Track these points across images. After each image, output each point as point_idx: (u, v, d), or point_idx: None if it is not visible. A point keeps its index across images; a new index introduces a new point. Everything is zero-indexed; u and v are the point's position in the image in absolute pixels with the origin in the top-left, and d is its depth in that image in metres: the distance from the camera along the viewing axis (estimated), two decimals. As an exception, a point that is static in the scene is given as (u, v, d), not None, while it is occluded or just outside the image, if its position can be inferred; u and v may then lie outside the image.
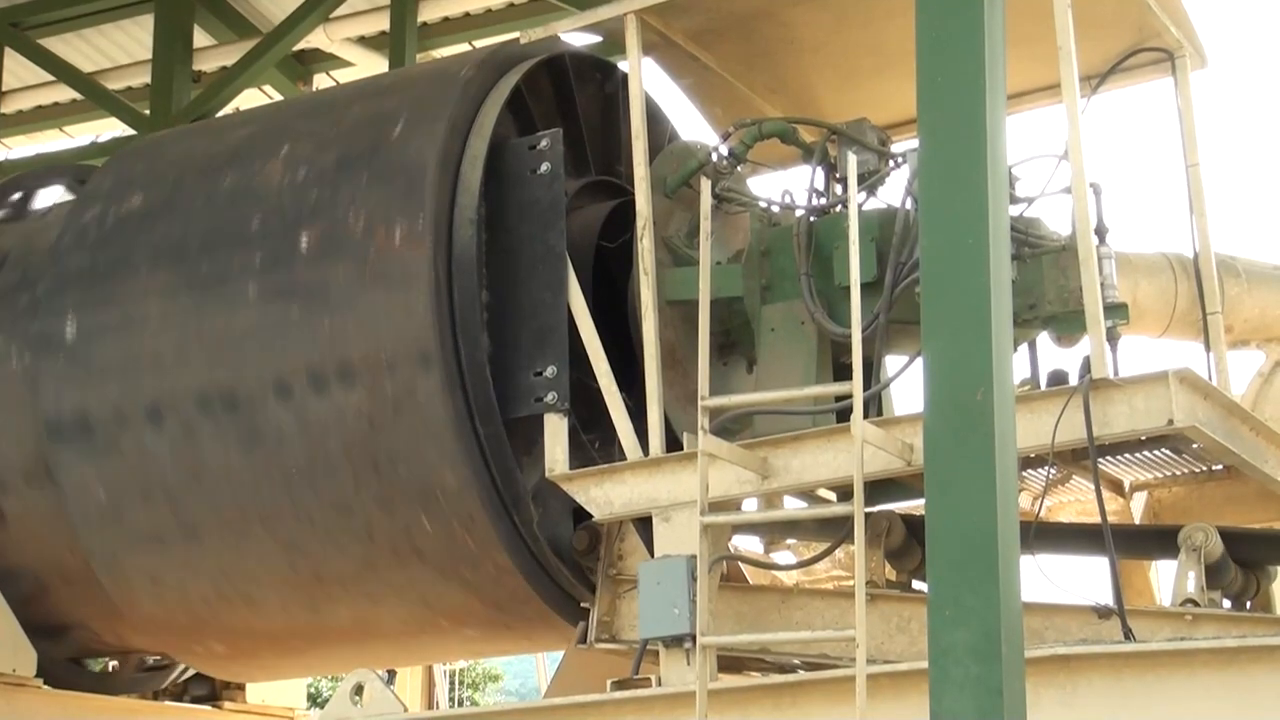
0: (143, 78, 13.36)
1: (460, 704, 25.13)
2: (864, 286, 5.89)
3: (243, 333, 7.40)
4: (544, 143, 7.21)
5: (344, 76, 13.28)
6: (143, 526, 7.79)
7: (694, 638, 6.10)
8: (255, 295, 7.39)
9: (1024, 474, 6.33)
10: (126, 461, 7.73)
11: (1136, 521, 7.16)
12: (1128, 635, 5.83)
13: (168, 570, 7.86)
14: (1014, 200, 6.41)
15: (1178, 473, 6.97)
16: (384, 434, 7.03)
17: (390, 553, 7.26)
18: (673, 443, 6.75)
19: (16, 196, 9.61)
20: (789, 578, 7.52)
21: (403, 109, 7.40)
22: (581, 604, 7.02)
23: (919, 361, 5.12)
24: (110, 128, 14.52)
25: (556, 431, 6.92)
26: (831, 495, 6.97)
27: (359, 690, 6.90)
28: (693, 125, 8.10)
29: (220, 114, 12.11)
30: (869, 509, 6.11)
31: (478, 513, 6.95)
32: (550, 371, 6.96)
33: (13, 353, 8.27)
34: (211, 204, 7.73)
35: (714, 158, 7.21)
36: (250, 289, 7.41)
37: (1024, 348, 6.65)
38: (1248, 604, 6.48)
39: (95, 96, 13.42)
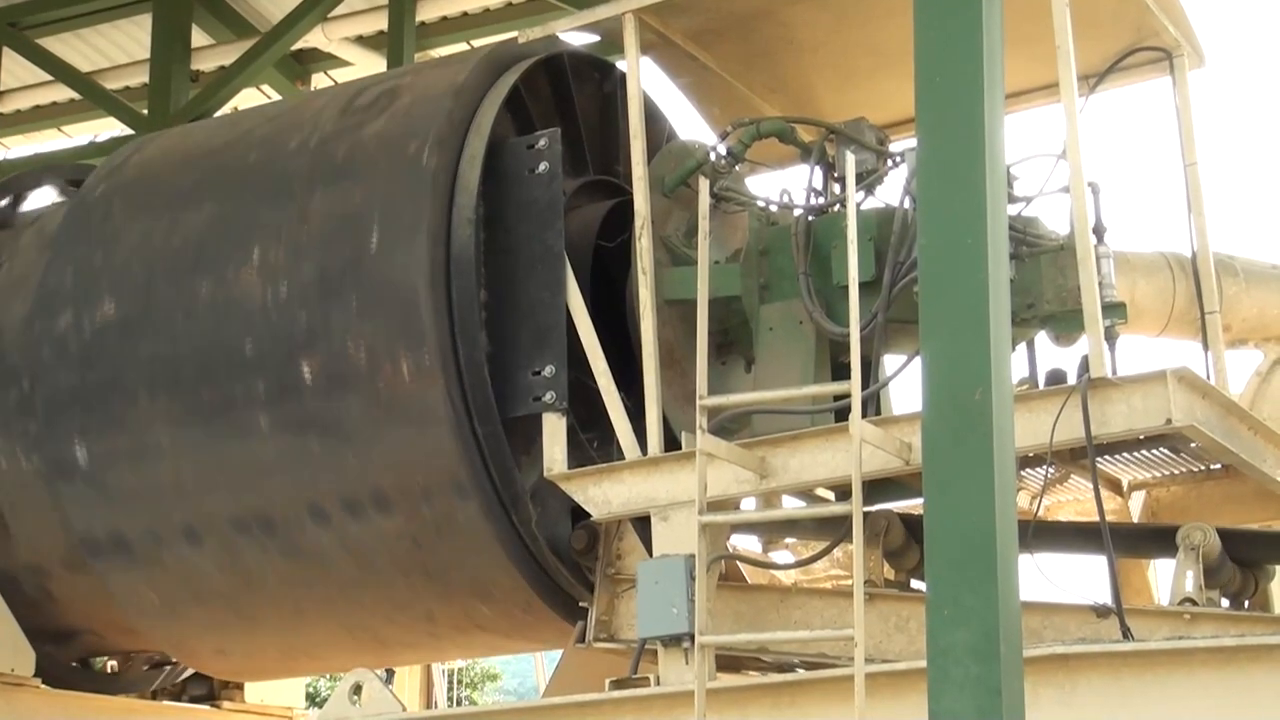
0: (141, 77, 13.37)
1: (459, 703, 25.12)
2: (862, 286, 5.89)
3: (265, 463, 7.35)
4: (542, 142, 7.21)
5: (342, 76, 13.28)
6: (202, 619, 7.94)
7: (692, 637, 6.10)
8: (269, 427, 7.28)
9: (1022, 473, 6.32)
10: (172, 573, 7.80)
11: (1135, 520, 7.17)
12: (1126, 634, 5.83)
13: (234, 644, 8.09)
14: (1012, 199, 6.41)
15: (1176, 472, 6.97)
16: (431, 551, 7.14)
17: (453, 629, 7.62)
18: (671, 442, 6.75)
19: (6, 201, 9.57)
20: (787, 577, 7.52)
21: (372, 208, 7.13)
22: (580, 603, 7.02)
23: (917, 361, 5.12)
24: (108, 127, 14.53)
25: (555, 431, 6.92)
26: (830, 494, 6.97)
27: (357, 690, 6.90)
28: (691, 124, 8.12)
29: (218, 114, 12.10)
30: (867, 508, 6.11)
31: (534, 601, 7.15)
32: (549, 371, 6.96)
33: (18, 453, 8.24)
34: (194, 320, 7.51)
35: (712, 157, 7.21)
36: (261, 420, 7.30)
37: (1022, 347, 6.65)
38: (1246, 603, 6.48)
39: (93, 96, 13.43)
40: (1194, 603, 5.98)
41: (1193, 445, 6.31)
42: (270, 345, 7.27)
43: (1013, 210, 6.38)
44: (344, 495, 7.18)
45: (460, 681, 28.15)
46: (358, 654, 7.76)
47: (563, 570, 7.10)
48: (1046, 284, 6.45)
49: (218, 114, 12.04)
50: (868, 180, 6.90)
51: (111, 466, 7.77)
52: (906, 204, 6.58)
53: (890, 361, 6.80)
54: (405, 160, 7.11)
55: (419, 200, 6.99)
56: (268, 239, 7.38)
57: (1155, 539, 6.55)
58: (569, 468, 6.87)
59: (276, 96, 13.30)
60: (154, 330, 7.64)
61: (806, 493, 6.95)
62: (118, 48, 13.86)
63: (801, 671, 6.51)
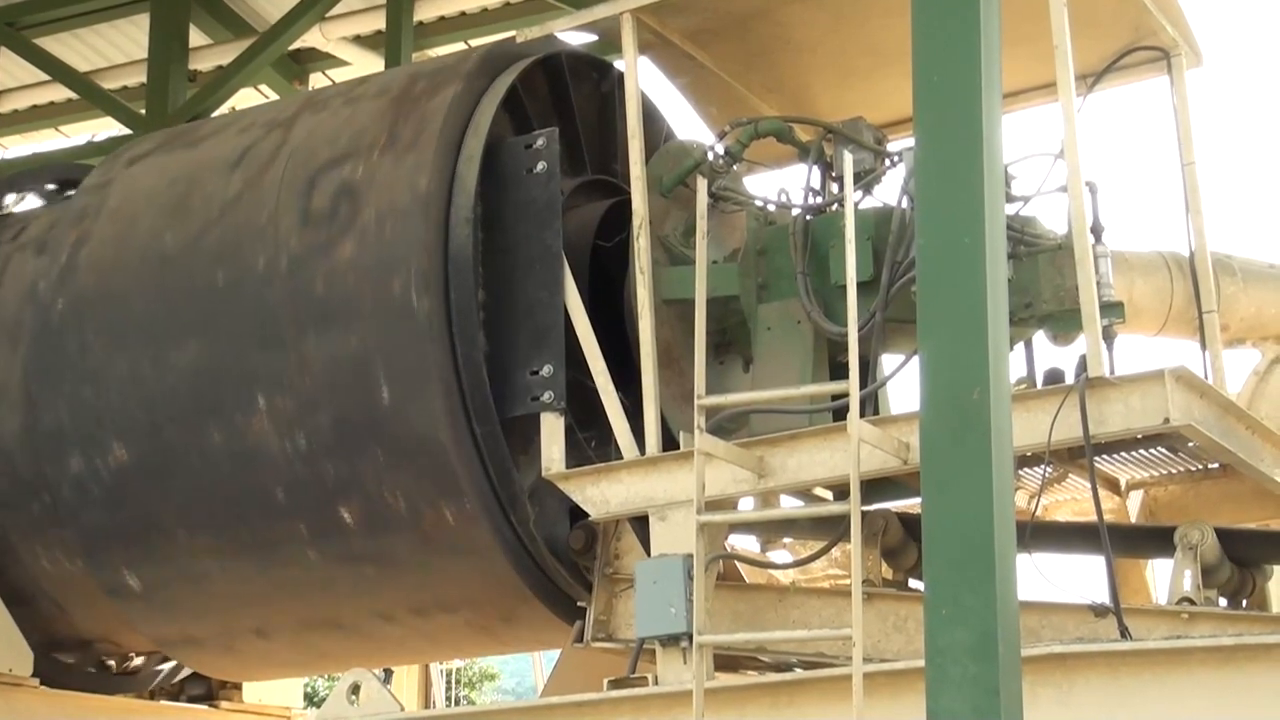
0: (139, 77, 13.35)
1: (457, 703, 25.13)
2: (860, 285, 5.90)
3: (324, 583, 7.51)
4: (540, 142, 7.21)
5: (340, 76, 13.27)
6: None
7: (690, 636, 6.10)
8: (318, 559, 7.42)
9: (1020, 473, 6.33)
10: (248, 656, 8.27)
11: (1133, 520, 7.17)
12: (1124, 634, 5.83)
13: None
14: (1010, 199, 6.41)
15: (1174, 471, 6.97)
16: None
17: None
18: (669, 442, 6.75)
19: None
20: (786, 576, 7.52)
21: (372, 357, 7.03)
22: (578, 603, 7.02)
23: (915, 360, 5.12)
24: (106, 127, 14.52)
25: (553, 430, 6.92)
26: (828, 494, 6.97)
27: (355, 690, 6.90)
28: (689, 124, 8.12)
29: (216, 113, 12.09)
30: (865, 508, 6.10)
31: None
32: (547, 370, 6.96)
33: (60, 557, 8.35)
34: (212, 466, 7.51)
35: (710, 157, 7.21)
36: (310, 554, 7.41)
37: (1020, 346, 6.65)
38: (1244, 602, 6.48)
39: (91, 96, 13.41)
40: (1192, 602, 5.98)
41: (1190, 444, 6.31)
42: (304, 495, 7.31)
43: (1011, 210, 6.38)
44: (410, 603, 7.48)
45: (458, 681, 28.15)
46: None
47: (561, 570, 7.09)
48: (1044, 283, 6.45)
49: (214, 114, 12.02)
50: (866, 180, 6.90)
51: (167, 589, 7.92)
52: (904, 203, 6.58)
53: (888, 361, 6.80)
54: (394, 303, 6.96)
55: (421, 349, 6.90)
56: (270, 387, 7.29)
57: (1153, 538, 6.55)
58: (567, 467, 6.87)
59: (275, 96, 13.28)
60: (174, 475, 7.64)
61: (805, 492, 6.95)
62: (115, 48, 13.85)
63: (800, 671, 6.51)
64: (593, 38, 8.16)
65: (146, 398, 7.66)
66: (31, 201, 9.77)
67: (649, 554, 6.60)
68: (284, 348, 7.25)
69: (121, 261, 7.90)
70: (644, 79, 7.18)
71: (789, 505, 7.07)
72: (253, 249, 7.41)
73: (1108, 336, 6.18)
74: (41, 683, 8.51)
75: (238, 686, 9.58)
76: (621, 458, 6.78)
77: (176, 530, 7.69)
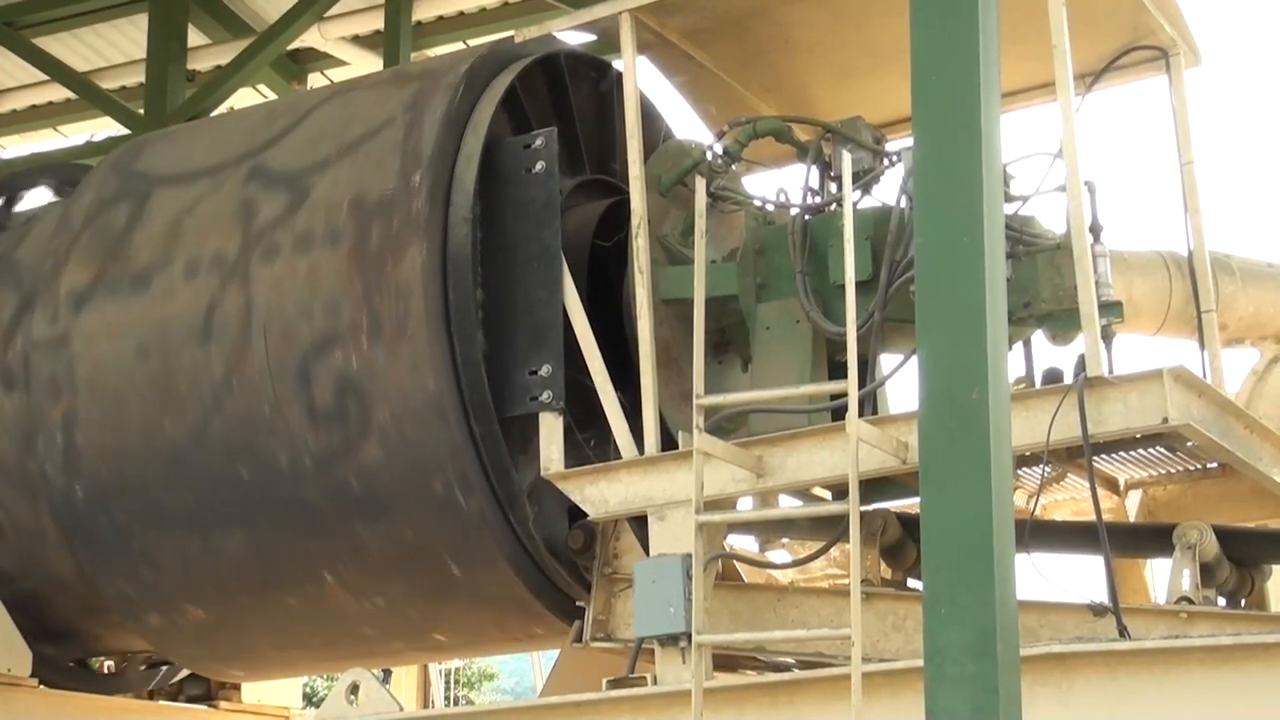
0: (137, 77, 13.34)
1: (456, 703, 25.12)
2: (859, 285, 5.89)
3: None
4: (539, 141, 7.20)
5: (338, 75, 13.27)
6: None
7: (689, 636, 6.10)
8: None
9: (1019, 472, 6.33)
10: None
11: (1131, 519, 7.17)
12: (1123, 633, 5.84)
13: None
14: (1009, 198, 6.42)
15: (1172, 470, 6.97)
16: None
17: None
18: (668, 441, 6.75)
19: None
20: (784, 576, 7.52)
21: (436, 542, 7.15)
22: (577, 603, 7.02)
23: (914, 360, 5.12)
24: (105, 127, 14.52)
25: (552, 430, 6.92)
26: (827, 494, 6.97)
27: (354, 689, 6.90)
28: (687, 124, 8.12)
29: (214, 113, 12.09)
30: (864, 507, 6.10)
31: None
32: (545, 370, 6.96)
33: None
34: (294, 620, 7.87)
35: (709, 156, 7.21)
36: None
37: (1019, 346, 6.65)
38: (1243, 602, 6.49)
39: (90, 96, 13.41)
40: (1191, 601, 5.98)
41: (1189, 444, 6.31)
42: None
43: (1009, 209, 6.38)
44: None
45: (457, 681, 28.14)
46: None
47: (560, 570, 7.09)
48: (1043, 283, 6.45)
49: (213, 114, 12.02)
50: (864, 179, 6.90)
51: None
52: (903, 203, 6.58)
53: (887, 360, 6.81)
54: (438, 500, 7.00)
55: (486, 538, 6.99)
56: (335, 564, 7.38)
57: (1152, 538, 6.55)
58: (566, 467, 6.87)
59: (273, 96, 13.28)
60: (256, 629, 7.95)
61: (803, 492, 6.95)
62: (114, 47, 13.84)
63: (798, 671, 6.52)
64: (591, 37, 8.16)
65: (210, 574, 7.69)
66: (25, 202, 9.74)
67: (648, 554, 6.60)
68: (334, 536, 7.31)
69: (126, 449, 7.72)
70: (643, 78, 7.19)
71: (788, 505, 7.07)
72: (269, 446, 7.31)
73: (1106, 336, 6.18)
74: (40, 683, 8.51)
75: (236, 687, 9.57)
76: (620, 457, 6.78)
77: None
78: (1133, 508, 7.22)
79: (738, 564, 7.11)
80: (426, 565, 7.16)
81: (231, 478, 7.41)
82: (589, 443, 7.28)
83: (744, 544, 7.62)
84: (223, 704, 9.53)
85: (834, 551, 6.96)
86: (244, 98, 13.15)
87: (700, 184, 6.39)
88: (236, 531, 7.52)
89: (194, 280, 7.56)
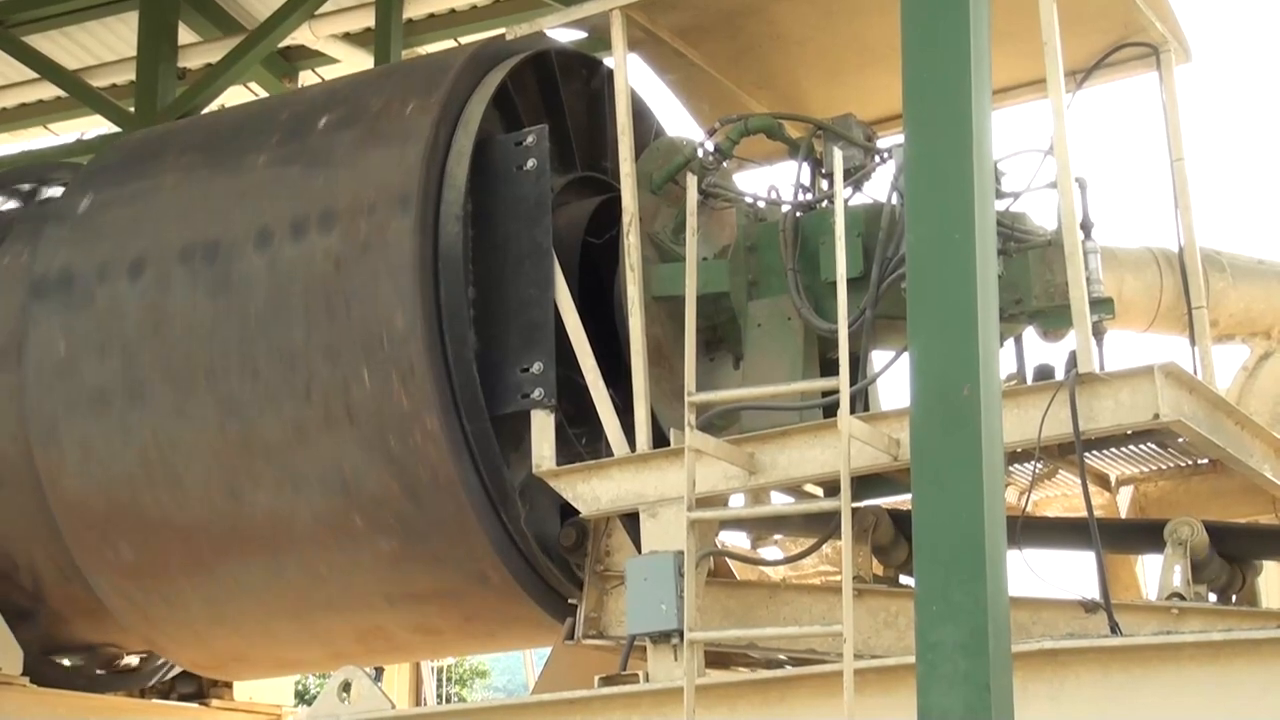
0: (128, 75, 13.33)
1: (448, 700, 25.09)
2: (850, 282, 5.89)
3: (243, 190, 7.62)
4: (530, 139, 7.21)
5: (329, 73, 13.27)
6: (89, 385, 7.72)
7: (681, 633, 6.10)
8: (264, 162, 7.63)
9: (1011, 468, 6.33)
10: (93, 311, 7.81)
11: (1122, 516, 7.18)
12: (1114, 629, 5.84)
13: (100, 438, 7.72)
14: (1000, 195, 6.42)
15: (1163, 467, 6.98)
16: (347, 275, 7.15)
17: (324, 418, 7.18)
18: (659, 438, 6.75)
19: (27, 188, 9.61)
20: (776, 573, 7.52)
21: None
22: (569, 600, 7.02)
23: (905, 356, 5.12)
24: (95, 125, 14.50)
25: (543, 428, 6.92)
26: (818, 490, 6.97)
27: (347, 687, 6.90)
28: (678, 121, 8.12)
29: (205, 111, 12.09)
30: (856, 504, 6.12)
31: (419, 364, 6.91)
32: (537, 368, 6.96)
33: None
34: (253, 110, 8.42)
35: (700, 153, 7.21)
36: (260, 158, 7.64)
37: (1010, 342, 6.65)
38: (1233, 598, 6.50)
39: (80, 94, 13.39)
40: (1182, 598, 5.99)
41: (1180, 440, 6.32)
42: (306, 110, 7.84)
43: (1000, 206, 6.38)
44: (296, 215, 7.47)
45: (449, 679, 28.12)
46: (220, 473, 7.49)
47: (552, 567, 7.09)
48: (1034, 279, 6.46)
49: (205, 110, 12.01)
50: (856, 176, 6.90)
51: (106, 208, 8.10)
52: (894, 200, 6.59)
53: (878, 357, 6.81)
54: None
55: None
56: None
57: (1143, 534, 6.56)
58: (558, 464, 6.87)
59: (264, 94, 13.27)
60: (201, 127, 8.54)
61: (795, 489, 6.95)
62: (104, 45, 13.81)
63: (790, 668, 6.52)
64: (582, 35, 8.17)
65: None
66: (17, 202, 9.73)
67: (640, 551, 6.61)
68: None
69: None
70: (634, 76, 7.19)
71: (780, 502, 7.07)
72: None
73: (1097, 332, 6.19)
74: (32, 681, 8.50)
75: (228, 685, 9.57)
76: (612, 455, 6.78)
77: (169, 154, 8.18)
78: (1124, 504, 7.23)
79: (730, 561, 7.12)
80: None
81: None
82: (581, 440, 7.29)
83: (736, 541, 7.63)
84: (214, 702, 9.53)
85: (826, 548, 6.98)
86: (235, 95, 13.13)
87: (691, 181, 6.39)
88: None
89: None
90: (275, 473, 7.31)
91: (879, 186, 6.95)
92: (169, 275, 7.59)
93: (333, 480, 7.18)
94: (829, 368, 6.66)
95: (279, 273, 7.29)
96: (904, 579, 6.64)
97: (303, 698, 18.46)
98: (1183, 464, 6.93)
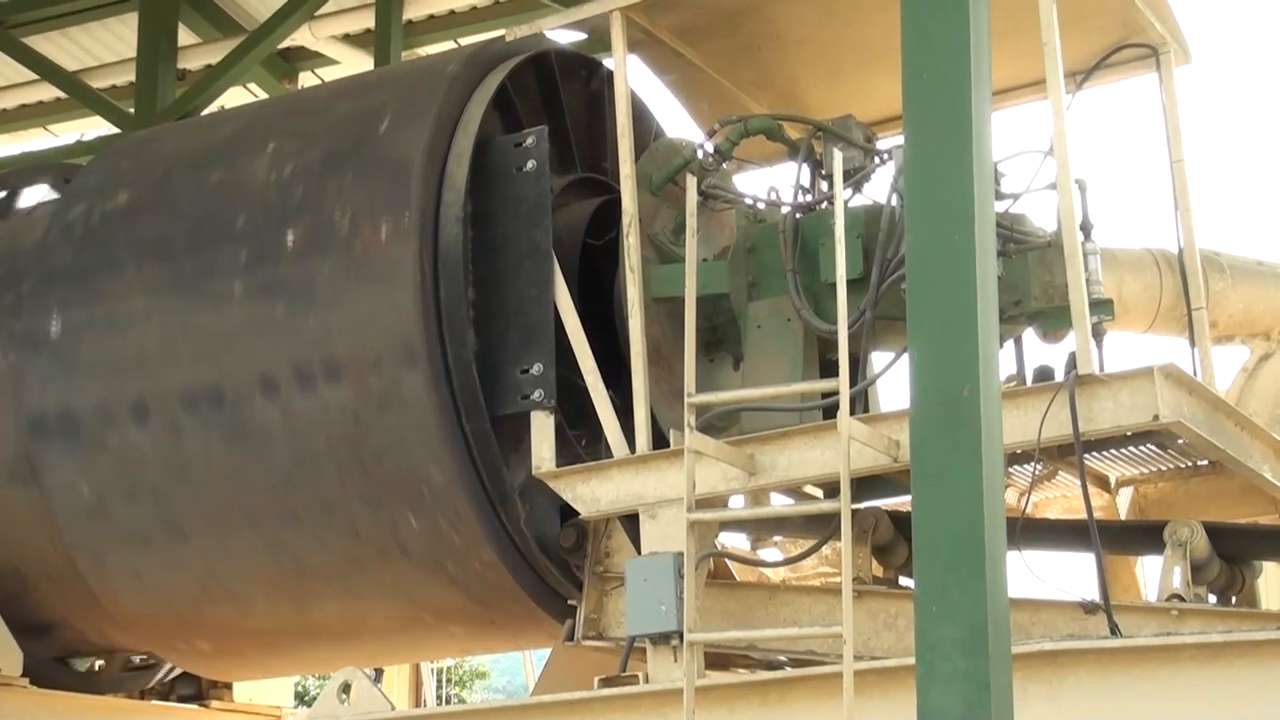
0: (127, 76, 13.33)
1: (447, 701, 25.09)
2: (850, 283, 5.89)
3: (229, 330, 7.37)
4: (530, 140, 7.20)
5: (329, 74, 13.27)
6: (126, 523, 7.76)
7: (681, 635, 6.10)
8: (241, 292, 7.34)
9: (1010, 470, 6.33)
10: (111, 458, 7.70)
11: (1122, 517, 7.18)
12: (1114, 630, 5.84)
13: (152, 566, 7.84)
14: (1000, 196, 6.42)
15: (1163, 468, 6.98)
16: (370, 431, 7.04)
17: (376, 551, 7.28)
18: (659, 440, 6.75)
19: (1, 195, 9.57)
20: (776, 574, 7.52)
21: (389, 105, 7.38)
22: (569, 601, 7.02)
23: (905, 358, 5.12)
24: (95, 126, 14.50)
25: (543, 429, 6.92)
26: (818, 492, 6.97)
27: (346, 689, 6.90)
28: (678, 122, 8.12)
29: (205, 112, 12.09)
30: (856, 505, 6.11)
31: (464, 508, 6.95)
32: (536, 369, 6.96)
33: None
34: (198, 199, 7.68)
35: (700, 154, 7.21)
36: (236, 286, 7.36)
37: (1010, 344, 6.65)
38: (1233, 599, 6.50)
39: (80, 95, 13.39)
40: (1181, 599, 5.99)
41: (1180, 441, 6.32)
42: (262, 217, 7.41)
43: (1000, 207, 6.38)
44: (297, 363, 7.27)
45: (449, 680, 28.13)
46: (274, 592, 7.66)
47: (551, 568, 7.09)
48: (1034, 281, 6.46)
49: (205, 112, 12.02)
50: (855, 177, 6.90)
51: (81, 335, 7.84)
52: (894, 201, 6.59)
53: (878, 359, 6.81)
54: (433, 74, 7.40)
55: (433, 95, 7.18)
56: (284, 137, 7.60)
57: (1143, 535, 6.56)
58: (557, 465, 6.87)
59: (263, 95, 13.27)
60: (156, 210, 7.84)
61: (795, 490, 6.95)
62: (104, 46, 13.82)
63: (790, 669, 6.52)
64: (582, 36, 8.17)
65: (172, 156, 8.14)
66: (21, 201, 9.73)
67: (639, 552, 6.61)
68: (316, 111, 7.82)
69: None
70: (633, 77, 7.19)
71: (779, 503, 7.07)
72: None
73: (1097, 334, 6.19)
74: (31, 682, 8.49)
75: (228, 686, 9.56)
76: (612, 456, 6.78)
77: (127, 265, 7.77)
78: (1124, 505, 7.23)
79: (729, 562, 7.11)
80: (350, 131, 7.27)
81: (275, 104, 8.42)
82: (580, 441, 7.28)
83: (736, 542, 7.62)
84: (214, 703, 9.52)
85: (826, 549, 6.97)
86: (234, 97, 13.13)
87: (691, 182, 6.39)
88: (232, 123, 8.17)
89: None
90: (338, 590, 7.52)
91: (879, 187, 6.96)
92: (177, 422, 7.48)
93: (397, 594, 7.41)
94: (829, 369, 6.65)
95: (296, 425, 7.19)
96: (904, 580, 6.64)
97: (302, 699, 18.47)
98: (1182, 465, 6.93)
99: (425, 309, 6.87)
